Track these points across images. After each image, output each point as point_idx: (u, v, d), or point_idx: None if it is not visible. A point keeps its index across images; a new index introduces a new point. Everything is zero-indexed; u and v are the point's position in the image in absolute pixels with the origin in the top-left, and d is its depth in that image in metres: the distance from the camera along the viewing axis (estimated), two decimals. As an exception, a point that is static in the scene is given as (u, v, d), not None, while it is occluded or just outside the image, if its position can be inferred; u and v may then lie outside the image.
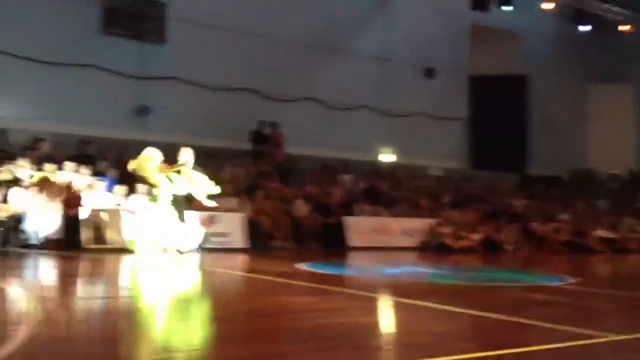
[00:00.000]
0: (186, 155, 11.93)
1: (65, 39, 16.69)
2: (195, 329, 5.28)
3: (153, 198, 11.53)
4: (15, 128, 15.75)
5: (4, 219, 12.37)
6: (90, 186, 13.64)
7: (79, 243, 12.61)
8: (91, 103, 16.75)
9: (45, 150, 15.16)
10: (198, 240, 12.12)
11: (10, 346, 4.08)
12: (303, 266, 10.67)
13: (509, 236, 17.76)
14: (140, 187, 13.06)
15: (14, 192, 12.75)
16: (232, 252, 13.79)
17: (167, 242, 11.41)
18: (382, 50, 21.82)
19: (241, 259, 12.99)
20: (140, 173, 11.61)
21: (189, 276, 9.89)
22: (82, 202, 13.19)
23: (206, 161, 17.33)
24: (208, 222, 13.99)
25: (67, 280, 9.05)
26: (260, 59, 19.23)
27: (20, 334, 4.44)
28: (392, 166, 21.85)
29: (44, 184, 13.20)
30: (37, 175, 13.35)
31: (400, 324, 5.83)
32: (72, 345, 4.44)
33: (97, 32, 17.35)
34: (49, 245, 12.42)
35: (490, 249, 16.90)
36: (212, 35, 18.41)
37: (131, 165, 11.73)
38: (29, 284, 8.10)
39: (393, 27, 21.90)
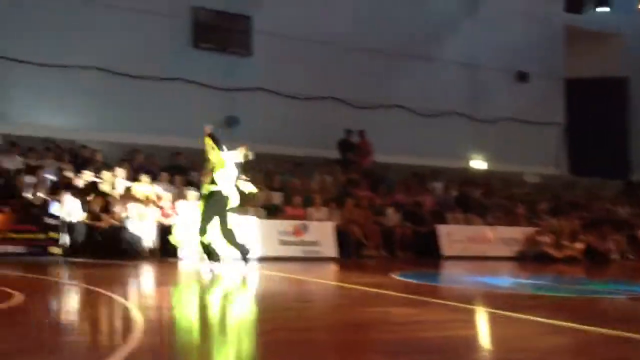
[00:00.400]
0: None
1: (156, 54, 17.17)
2: (290, 340, 5.12)
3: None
4: (111, 140, 16.24)
5: (106, 229, 12.73)
6: (183, 196, 13.88)
7: (175, 251, 12.82)
8: (182, 115, 17.09)
9: (140, 162, 15.57)
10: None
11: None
12: (396, 276, 10.40)
13: (615, 245, 16.87)
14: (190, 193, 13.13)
15: (112, 203, 13.13)
16: (322, 261, 13.67)
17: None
18: (471, 55, 21.33)
19: (332, 269, 12.84)
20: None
21: (280, 286, 9.81)
22: (177, 211, 13.44)
23: (294, 170, 17.49)
24: (301, 230, 13.99)
25: (174, 287, 9.14)
26: (346, 67, 19.18)
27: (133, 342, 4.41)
28: (484, 173, 21.23)
29: (140, 195, 13.53)
30: (134, 186, 13.70)
31: (501, 339, 5.48)
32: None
33: (186, 46, 17.80)
34: (147, 255, 12.72)
35: (593, 259, 16.08)
36: (296, 46, 18.55)
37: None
38: (140, 293, 8.20)
39: (482, 32, 21.37)
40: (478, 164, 21.41)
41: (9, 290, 7.06)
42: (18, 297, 6.63)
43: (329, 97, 19.22)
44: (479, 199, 18.93)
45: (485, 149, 21.29)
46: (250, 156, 10.25)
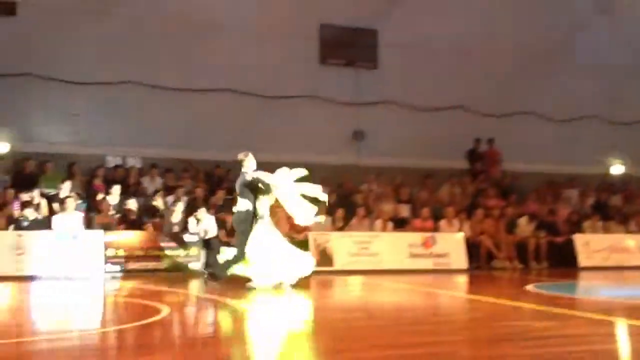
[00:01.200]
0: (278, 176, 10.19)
1: (285, 72, 17.64)
2: (437, 354, 5.07)
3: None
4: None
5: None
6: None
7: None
8: (311, 132, 17.42)
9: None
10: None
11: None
12: (532, 288, 10.05)
13: None
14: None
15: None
16: (452, 273, 13.45)
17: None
18: (606, 56, 20.26)
19: (463, 281, 12.59)
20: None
21: (412, 299, 9.74)
22: (308, 226, 13.69)
23: (423, 182, 17.35)
24: (430, 243, 13.87)
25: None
26: (473, 76, 18.80)
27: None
28: (623, 178, 20.09)
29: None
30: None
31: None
32: None
33: (314, 63, 18.19)
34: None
35: None
36: (421, 57, 18.44)
37: None
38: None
39: (616, 32, 20.30)
40: (616, 168, 20.30)
41: (157, 305, 7.50)
42: (165, 311, 7.02)
43: (458, 106, 18.93)
44: (618, 206, 17.94)
45: (623, 152, 20.13)
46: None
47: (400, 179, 17.03)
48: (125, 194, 14.16)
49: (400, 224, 14.92)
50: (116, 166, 15.97)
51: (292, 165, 16.32)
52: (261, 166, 15.95)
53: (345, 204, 15.11)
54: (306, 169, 16.33)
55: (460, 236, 14.59)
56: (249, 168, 9.87)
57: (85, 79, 16.18)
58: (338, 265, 13.38)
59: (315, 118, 17.68)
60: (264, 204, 9.87)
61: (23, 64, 15.75)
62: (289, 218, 13.76)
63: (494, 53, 18.94)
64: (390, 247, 13.86)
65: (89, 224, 12.99)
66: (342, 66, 18.40)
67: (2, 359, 4.66)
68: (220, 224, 13.15)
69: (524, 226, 15.66)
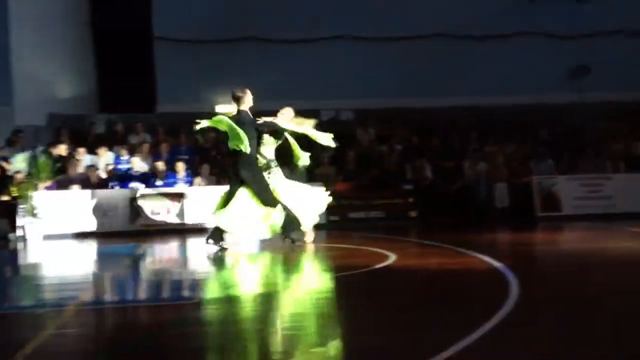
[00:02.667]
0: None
1: (492, 12, 16.78)
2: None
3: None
4: (462, 104, 16.20)
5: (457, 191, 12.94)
6: (539, 155, 13.47)
7: (531, 211, 12.51)
8: (525, 70, 16.47)
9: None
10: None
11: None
12: None
13: None
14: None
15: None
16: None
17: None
18: None
19: None
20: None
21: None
22: (530, 171, 13.09)
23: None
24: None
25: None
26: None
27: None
28: None
29: (491, 155, 13.48)
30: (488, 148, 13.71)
31: None
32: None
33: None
34: (499, 214, 12.63)
35: None
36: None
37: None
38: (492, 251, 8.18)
39: None
40: None
41: (383, 251, 7.55)
42: (392, 258, 7.03)
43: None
44: None
45: None
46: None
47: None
48: (340, 147, 14.44)
49: (635, 164, 13.65)
50: (330, 119, 16.34)
51: (504, 108, 15.74)
52: (471, 110, 15.61)
53: (570, 145, 14.16)
54: (522, 110, 15.63)
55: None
56: (248, 106, 8.78)
57: (297, 37, 16.69)
58: (566, 210, 12.64)
59: (529, 55, 16.66)
60: (270, 150, 8.74)
61: (240, 28, 16.59)
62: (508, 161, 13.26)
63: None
64: (624, 189, 12.79)
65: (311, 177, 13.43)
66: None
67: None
68: (440, 172, 13.00)
69: None
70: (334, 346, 3.48)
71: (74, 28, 16.33)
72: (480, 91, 16.30)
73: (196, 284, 5.60)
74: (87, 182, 12.51)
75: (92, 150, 13.22)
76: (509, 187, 12.94)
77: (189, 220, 12.25)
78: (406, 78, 16.43)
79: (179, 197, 12.35)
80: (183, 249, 10.16)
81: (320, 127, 15.39)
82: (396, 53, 16.83)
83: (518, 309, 4.19)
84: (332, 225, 12.34)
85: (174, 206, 12.31)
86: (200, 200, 12.12)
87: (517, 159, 13.65)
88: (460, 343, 3.36)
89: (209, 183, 12.81)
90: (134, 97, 15.33)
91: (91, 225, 11.91)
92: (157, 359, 3.41)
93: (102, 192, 12.28)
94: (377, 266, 6.44)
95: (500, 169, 13.25)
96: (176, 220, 12.28)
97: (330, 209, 12.63)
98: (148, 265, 7.65)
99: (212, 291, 5.51)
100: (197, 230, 11.82)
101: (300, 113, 15.93)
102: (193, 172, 13.01)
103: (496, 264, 6.38)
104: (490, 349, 3.36)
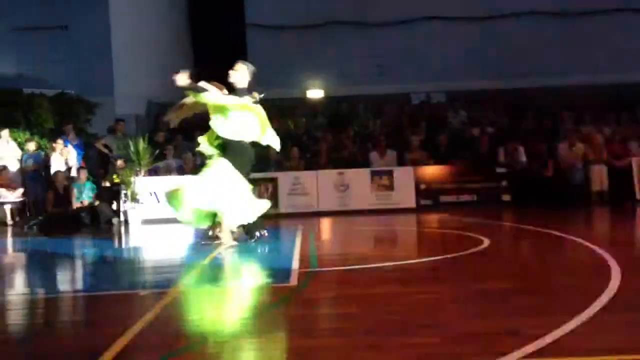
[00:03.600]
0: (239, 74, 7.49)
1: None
2: None
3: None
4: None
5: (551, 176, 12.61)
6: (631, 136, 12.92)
7: (631, 194, 12.04)
8: (622, 47, 15.80)
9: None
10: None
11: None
12: None
13: None
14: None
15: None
16: None
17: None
18: None
19: None
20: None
21: None
22: (629, 152, 12.57)
23: None
24: None
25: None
26: None
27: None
28: None
29: (587, 137, 13.04)
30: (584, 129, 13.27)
31: None
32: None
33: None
34: (595, 198, 12.23)
35: None
36: None
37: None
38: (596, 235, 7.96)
39: None
40: None
41: (476, 236, 7.47)
42: (486, 242, 6.95)
43: None
44: None
45: None
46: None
47: None
48: (432, 130, 14.33)
49: None
50: (421, 102, 16.22)
51: (599, 88, 15.05)
52: (565, 90, 14.99)
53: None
54: (617, 89, 14.91)
55: None
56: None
57: (386, 20, 16.62)
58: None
59: (628, 32, 15.95)
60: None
61: (332, 12, 16.67)
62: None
63: None
64: None
65: (400, 161, 13.41)
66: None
67: (362, 281, 5.02)
68: (533, 155, 12.68)
69: None
70: (440, 332, 3.50)
71: (172, 18, 16.86)
72: (576, 70, 15.78)
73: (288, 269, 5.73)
74: (184, 168, 12.95)
75: (188, 137, 13.65)
76: (607, 169, 12.48)
77: (282, 205, 12.49)
78: (498, 58, 16.08)
79: (271, 182, 12.60)
80: (276, 233, 10.38)
81: (409, 110, 15.42)
82: (487, 34, 16.50)
83: (618, 295, 4.09)
84: (423, 209, 12.32)
85: (266, 191, 12.57)
86: (291, 184, 12.35)
87: (615, 140, 13.13)
88: (561, 329, 3.32)
89: (299, 168, 13.01)
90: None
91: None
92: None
93: (197, 178, 12.68)
94: (472, 251, 6.39)
95: (597, 151, 12.79)
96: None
97: (421, 193, 12.74)
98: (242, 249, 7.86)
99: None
100: (290, 215, 12.07)
101: (390, 97, 15.99)
102: (284, 157, 13.24)
103: (595, 248, 6.21)
104: (591, 335, 3.30)
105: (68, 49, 15.90)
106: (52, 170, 12.50)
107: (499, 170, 12.90)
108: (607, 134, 13.39)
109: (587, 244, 6.62)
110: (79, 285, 5.93)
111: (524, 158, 12.98)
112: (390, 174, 12.75)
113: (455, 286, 4.80)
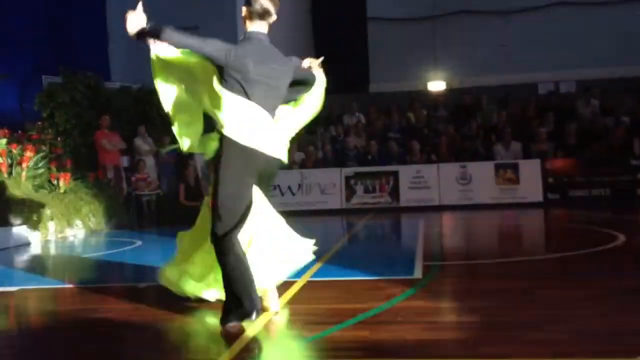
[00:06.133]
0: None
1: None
2: None
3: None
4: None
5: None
6: None
7: None
8: None
9: None
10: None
11: None
12: None
13: None
14: None
15: None
16: None
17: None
18: None
19: None
20: None
21: None
22: None
23: None
24: None
25: None
26: None
27: None
28: None
29: None
30: None
31: None
32: None
33: None
34: None
35: None
36: None
37: None
38: None
39: None
40: None
41: (610, 231, 7.10)
42: (621, 238, 6.60)
43: None
44: None
45: None
46: None
47: None
48: (560, 121, 13.73)
49: None
50: (549, 92, 15.59)
51: None
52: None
53: None
54: None
55: None
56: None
57: (511, 8, 16.14)
58: None
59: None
60: None
61: (450, 2, 16.39)
62: None
63: None
64: None
65: (526, 154, 12.95)
66: None
67: (481, 273, 4.90)
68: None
69: None
70: (574, 329, 3.37)
71: (294, 17, 17.18)
72: None
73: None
74: (306, 161, 13.17)
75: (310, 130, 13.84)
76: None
77: (403, 199, 12.43)
78: (631, 44, 15.18)
79: (391, 175, 12.56)
80: (397, 226, 10.34)
81: (537, 100, 14.84)
82: (617, 18, 15.63)
83: None
84: (551, 204, 11.86)
85: (387, 185, 12.55)
86: (412, 177, 12.28)
87: None
88: None
89: (419, 162, 12.88)
90: (348, 77, 15.80)
91: (309, 203, 12.58)
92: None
93: (318, 171, 12.87)
94: (606, 247, 6.08)
95: None
96: (388, 200, 12.52)
97: (549, 187, 12.24)
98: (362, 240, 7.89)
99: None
100: (411, 209, 11.98)
101: (516, 87, 15.46)
102: (405, 151, 13.16)
103: None
104: None
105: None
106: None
107: (635, 162, 12.17)
108: None
109: None
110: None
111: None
112: (515, 167, 12.36)
113: (588, 284, 4.58)
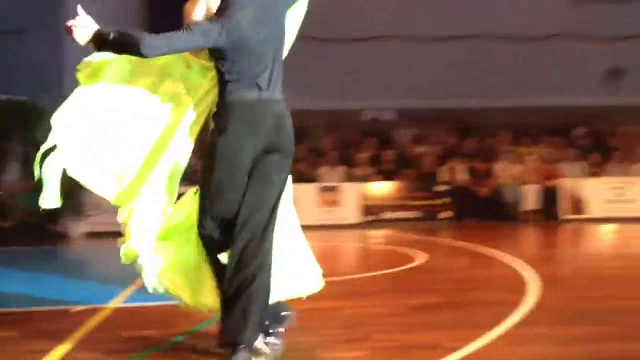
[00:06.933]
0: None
1: (535, 13, 16.99)
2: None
3: None
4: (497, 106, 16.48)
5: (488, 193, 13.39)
6: (563, 158, 13.81)
7: (556, 214, 12.91)
8: (559, 72, 16.71)
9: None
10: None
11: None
12: None
13: None
14: None
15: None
16: None
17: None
18: None
19: None
20: None
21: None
22: (560, 173, 13.45)
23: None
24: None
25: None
26: None
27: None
28: None
29: (523, 157, 13.88)
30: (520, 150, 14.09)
31: None
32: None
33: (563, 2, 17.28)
34: (527, 216, 13.03)
35: None
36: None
37: None
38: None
39: None
40: None
41: (411, 252, 8.13)
42: (421, 258, 7.61)
43: None
44: None
45: None
46: None
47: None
48: (380, 147, 14.93)
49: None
50: (372, 119, 16.76)
51: (539, 110, 15.97)
52: (507, 111, 15.77)
53: (600, 148, 14.49)
54: (558, 111, 15.72)
55: None
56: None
57: (338, 37, 17.09)
58: (591, 213, 12.99)
59: (564, 58, 16.88)
60: None
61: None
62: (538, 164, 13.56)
63: None
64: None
65: (348, 177, 13.94)
66: (596, 2, 17.16)
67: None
68: (475, 173, 13.41)
69: None
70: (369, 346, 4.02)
71: None
72: (518, 92, 16.56)
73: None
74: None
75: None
76: (539, 189, 13.31)
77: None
78: (446, 79, 16.71)
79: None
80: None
81: (360, 126, 15.78)
82: (435, 54, 17.12)
83: (534, 311, 4.67)
84: (368, 227, 12.83)
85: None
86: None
87: (549, 161, 13.98)
88: (475, 343, 3.77)
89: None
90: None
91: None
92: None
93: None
94: (406, 267, 7.01)
95: (531, 171, 13.62)
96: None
97: (365, 209, 13.23)
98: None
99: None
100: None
101: (344, 112, 16.29)
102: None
103: (514, 266, 6.90)
104: (502, 349, 3.76)
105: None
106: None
107: (440, 188, 13.53)
108: (542, 155, 14.22)
109: (512, 259, 7.29)
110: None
111: (464, 176, 13.71)
112: (338, 189, 13.28)
113: (387, 301, 5.37)
